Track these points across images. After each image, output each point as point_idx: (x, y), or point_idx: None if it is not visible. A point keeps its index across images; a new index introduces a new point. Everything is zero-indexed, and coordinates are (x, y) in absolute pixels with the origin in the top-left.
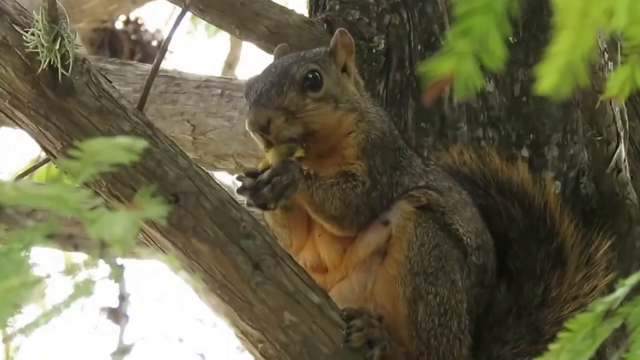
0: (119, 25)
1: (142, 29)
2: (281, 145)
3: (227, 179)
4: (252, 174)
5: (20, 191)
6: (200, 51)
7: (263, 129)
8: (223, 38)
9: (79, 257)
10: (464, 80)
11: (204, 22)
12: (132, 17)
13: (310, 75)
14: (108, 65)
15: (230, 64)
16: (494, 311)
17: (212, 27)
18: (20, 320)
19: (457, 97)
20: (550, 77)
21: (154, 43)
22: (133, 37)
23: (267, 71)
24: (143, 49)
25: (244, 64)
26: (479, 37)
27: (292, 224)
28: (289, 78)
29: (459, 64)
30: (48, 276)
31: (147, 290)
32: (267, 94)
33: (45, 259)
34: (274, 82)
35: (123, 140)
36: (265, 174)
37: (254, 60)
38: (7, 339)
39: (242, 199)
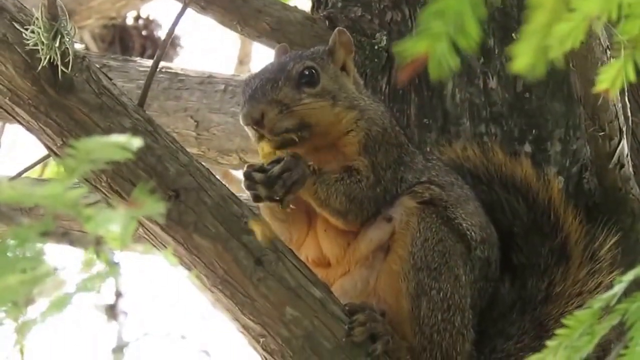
0: (129, 21)
1: (152, 25)
2: (276, 138)
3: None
4: (261, 169)
5: (17, 189)
6: (211, 48)
7: (257, 123)
8: (233, 35)
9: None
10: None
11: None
12: (142, 13)
13: (307, 72)
14: (111, 62)
15: (241, 61)
16: (498, 305)
17: None
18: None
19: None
20: (525, 56)
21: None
22: (144, 33)
23: (264, 69)
24: (154, 45)
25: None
26: (453, 19)
27: (290, 218)
28: (285, 74)
29: (433, 45)
30: (49, 273)
31: (149, 286)
32: (262, 89)
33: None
34: (270, 78)
35: (118, 138)
36: (277, 169)
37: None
38: (20, 333)
39: (249, 193)
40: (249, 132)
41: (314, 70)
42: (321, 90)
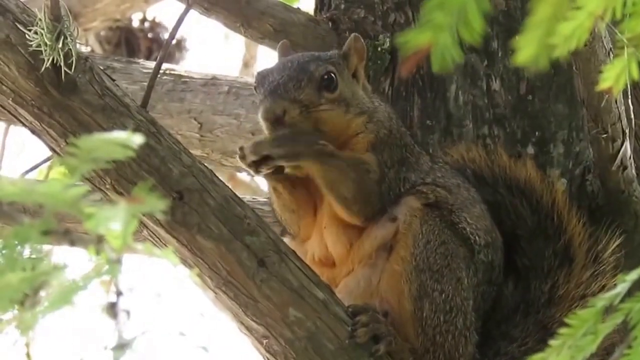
0: (135, 24)
1: (159, 27)
2: None
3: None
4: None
5: (17, 186)
6: (217, 51)
7: (278, 119)
8: (239, 38)
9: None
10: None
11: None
12: (148, 16)
13: (327, 77)
14: (115, 64)
15: (246, 64)
16: (502, 308)
17: None
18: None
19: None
20: (529, 48)
21: (173, 41)
22: (150, 35)
23: (283, 65)
24: (160, 47)
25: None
26: (456, 10)
27: (301, 210)
28: (308, 75)
29: (436, 36)
30: (49, 272)
31: (149, 285)
32: (284, 86)
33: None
34: (292, 76)
35: (119, 135)
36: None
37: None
38: (22, 329)
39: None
40: (264, 126)
41: (333, 75)
42: (338, 96)
